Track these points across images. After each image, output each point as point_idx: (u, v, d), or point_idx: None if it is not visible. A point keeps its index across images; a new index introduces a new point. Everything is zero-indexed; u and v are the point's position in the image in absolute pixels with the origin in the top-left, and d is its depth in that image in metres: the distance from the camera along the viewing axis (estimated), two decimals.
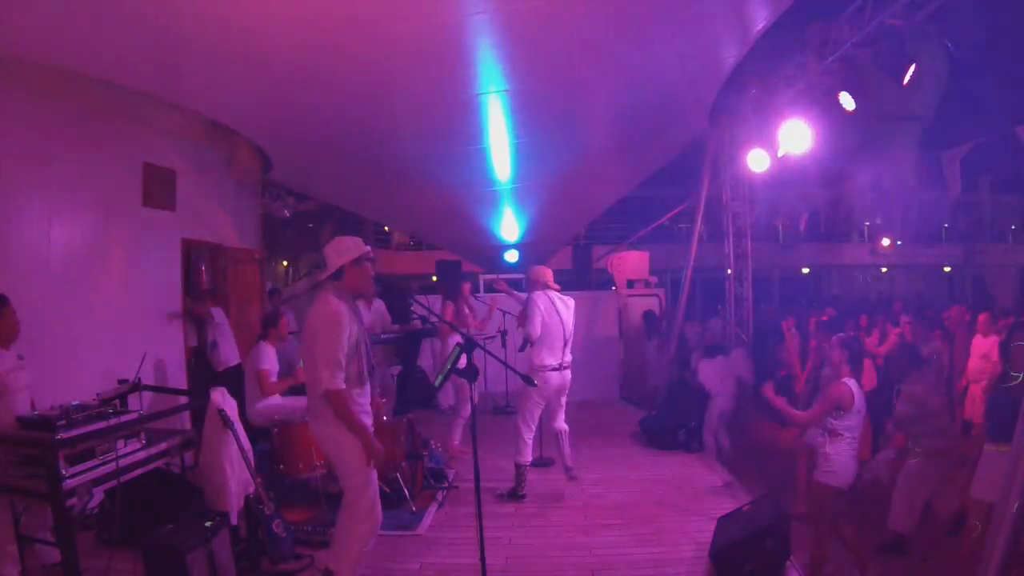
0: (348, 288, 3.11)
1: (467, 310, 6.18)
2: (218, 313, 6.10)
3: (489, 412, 7.82)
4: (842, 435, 3.53)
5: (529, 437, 4.91)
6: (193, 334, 6.35)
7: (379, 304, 6.65)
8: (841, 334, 3.99)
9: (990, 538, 2.65)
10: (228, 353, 6.01)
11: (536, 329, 4.80)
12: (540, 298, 4.90)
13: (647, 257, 11.99)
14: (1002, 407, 3.51)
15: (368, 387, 3.19)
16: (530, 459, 4.95)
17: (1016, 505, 2.52)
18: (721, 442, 6.45)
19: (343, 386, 2.97)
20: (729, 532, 3.69)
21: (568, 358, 4.96)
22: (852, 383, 3.58)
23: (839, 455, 3.53)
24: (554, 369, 4.86)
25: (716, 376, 6.56)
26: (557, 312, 4.91)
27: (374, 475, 3.12)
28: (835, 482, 3.55)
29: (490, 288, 9.72)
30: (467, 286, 6.34)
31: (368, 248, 3.17)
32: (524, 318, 4.90)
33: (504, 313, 7.50)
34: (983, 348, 6.03)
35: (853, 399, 3.52)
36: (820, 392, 3.75)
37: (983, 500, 3.49)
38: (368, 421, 3.17)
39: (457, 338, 5.75)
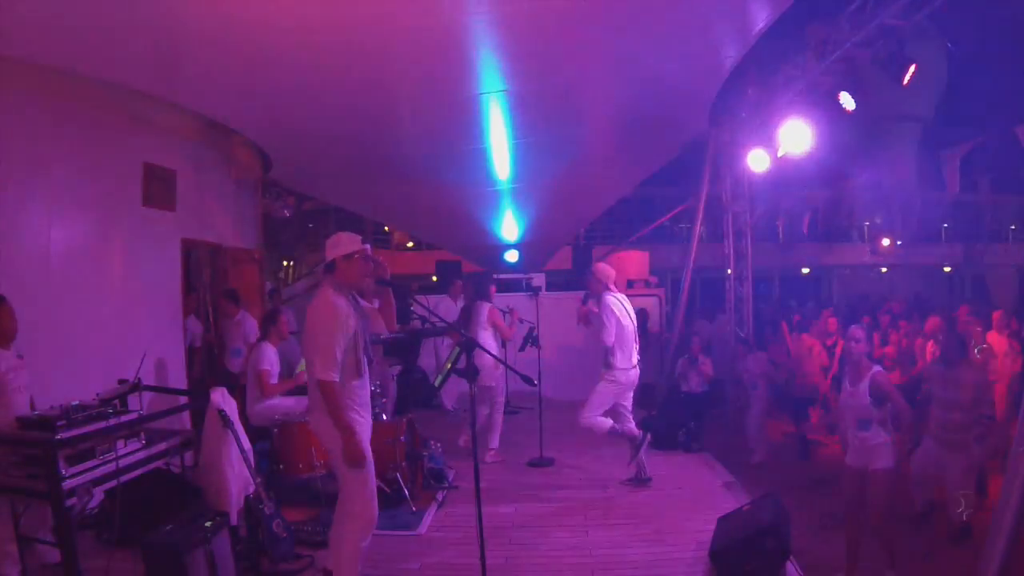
0: (342, 281, 3.13)
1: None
2: (245, 318, 6.11)
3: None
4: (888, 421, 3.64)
5: (604, 420, 4.96)
6: (198, 335, 6.35)
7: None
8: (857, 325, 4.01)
9: (990, 538, 2.65)
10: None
11: (612, 336, 4.82)
12: (613, 302, 4.88)
13: (647, 257, 11.97)
14: None
15: (367, 379, 3.20)
16: (638, 431, 5.03)
17: (1016, 505, 2.52)
18: (760, 444, 6.41)
19: (335, 379, 2.99)
20: (729, 532, 3.69)
21: (639, 356, 5.03)
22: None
23: (893, 441, 3.64)
24: (632, 368, 4.95)
25: (759, 371, 6.58)
26: (628, 313, 4.94)
27: (371, 472, 3.12)
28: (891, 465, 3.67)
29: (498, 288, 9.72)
30: (494, 288, 6.29)
31: (365, 246, 3.18)
32: (596, 324, 4.85)
33: (504, 313, 7.49)
34: (1003, 346, 6.04)
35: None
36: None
37: None
38: (367, 413, 3.18)
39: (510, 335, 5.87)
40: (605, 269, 5.06)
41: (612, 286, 5.00)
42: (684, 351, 7.27)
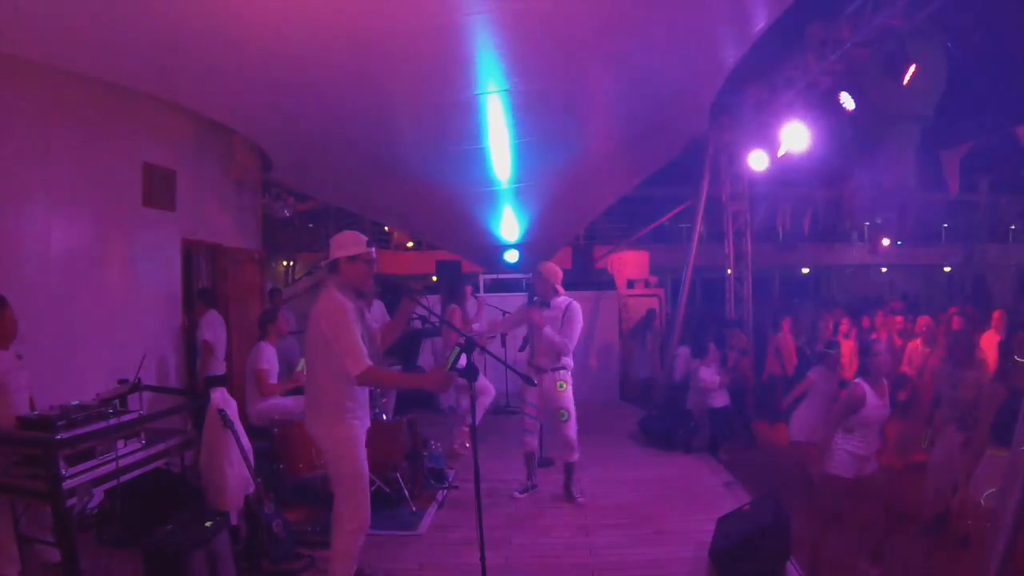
0: (345, 282, 3.13)
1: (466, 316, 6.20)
2: (208, 318, 6.03)
3: (489, 412, 7.81)
4: None
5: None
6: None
7: (378, 305, 6.64)
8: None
9: (990, 538, 2.64)
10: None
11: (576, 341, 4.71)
12: (578, 306, 4.74)
13: (647, 257, 11.98)
14: (1004, 410, 3.52)
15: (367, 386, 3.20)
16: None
17: (1016, 505, 2.52)
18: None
19: (369, 363, 2.99)
20: (729, 532, 3.69)
21: None
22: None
23: None
24: None
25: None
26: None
27: (365, 474, 3.12)
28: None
29: (492, 287, 9.74)
30: (469, 289, 6.35)
31: (369, 249, 3.14)
32: (562, 325, 4.64)
33: (504, 313, 7.49)
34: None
35: None
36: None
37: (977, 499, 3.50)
38: (364, 416, 3.18)
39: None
40: (554, 269, 4.84)
41: (560, 287, 4.82)
42: (696, 353, 7.19)
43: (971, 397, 4.34)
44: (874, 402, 3.76)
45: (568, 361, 4.76)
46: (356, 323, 3.03)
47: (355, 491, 3.07)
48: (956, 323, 6.45)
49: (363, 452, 3.12)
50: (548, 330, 4.62)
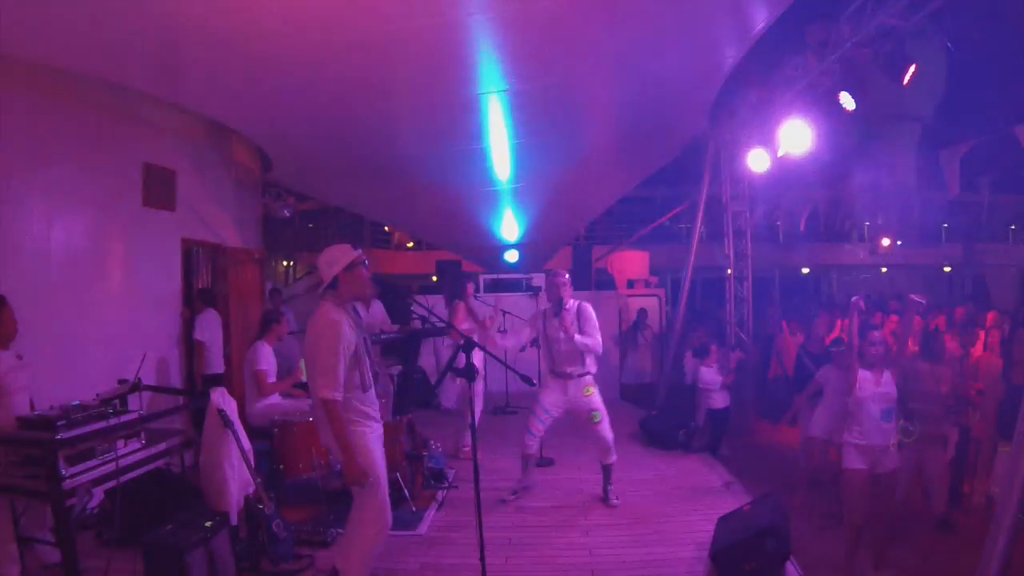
0: (346, 295, 3.11)
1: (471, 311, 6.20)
2: (203, 316, 6.05)
3: (489, 412, 7.81)
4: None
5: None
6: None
7: (378, 305, 6.64)
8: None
9: (990, 538, 2.65)
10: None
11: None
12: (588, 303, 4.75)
13: (647, 257, 11.99)
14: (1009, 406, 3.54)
15: (372, 393, 3.17)
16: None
17: (1016, 505, 2.52)
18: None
19: (338, 397, 2.96)
20: (729, 532, 3.70)
21: None
22: None
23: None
24: None
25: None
26: None
27: (383, 479, 3.11)
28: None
29: (492, 287, 9.74)
30: (470, 286, 6.36)
31: (358, 253, 3.14)
32: (585, 329, 4.62)
33: (505, 313, 7.50)
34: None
35: None
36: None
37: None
38: (375, 424, 3.16)
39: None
40: (566, 274, 4.82)
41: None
42: (698, 354, 7.17)
43: (947, 392, 4.41)
44: (866, 385, 3.72)
45: (592, 365, 4.74)
46: (348, 341, 3.00)
47: (374, 495, 3.06)
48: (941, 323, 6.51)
49: (379, 455, 3.11)
50: (580, 338, 4.59)
